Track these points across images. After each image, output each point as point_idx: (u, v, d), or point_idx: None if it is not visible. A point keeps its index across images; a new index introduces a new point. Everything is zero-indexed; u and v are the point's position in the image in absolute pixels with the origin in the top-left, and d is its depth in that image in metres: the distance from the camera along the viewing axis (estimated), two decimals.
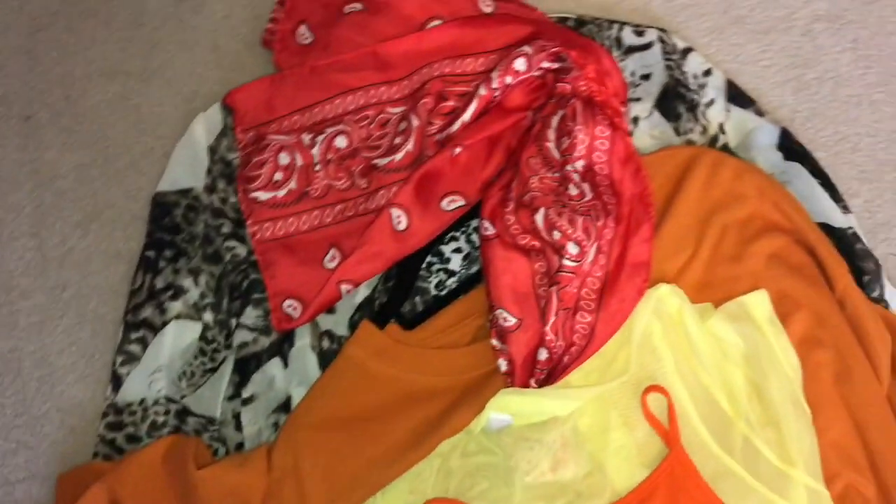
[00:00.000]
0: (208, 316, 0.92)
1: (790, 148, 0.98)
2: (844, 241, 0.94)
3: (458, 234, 0.95)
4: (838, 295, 0.91)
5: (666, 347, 0.88)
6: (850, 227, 0.94)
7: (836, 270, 0.91)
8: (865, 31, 1.05)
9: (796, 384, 0.87)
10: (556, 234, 0.85)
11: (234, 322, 0.92)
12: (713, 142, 0.99)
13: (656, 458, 0.85)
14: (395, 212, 0.90)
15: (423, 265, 0.94)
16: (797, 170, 0.96)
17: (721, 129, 1.00)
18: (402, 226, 0.90)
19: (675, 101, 0.99)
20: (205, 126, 0.98)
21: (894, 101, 1.03)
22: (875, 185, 1.01)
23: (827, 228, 0.95)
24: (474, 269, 0.94)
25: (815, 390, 0.87)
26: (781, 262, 0.92)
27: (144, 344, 0.90)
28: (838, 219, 0.95)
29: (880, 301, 0.93)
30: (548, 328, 0.84)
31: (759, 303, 0.90)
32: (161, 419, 0.88)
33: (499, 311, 0.86)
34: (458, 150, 0.90)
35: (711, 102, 1.00)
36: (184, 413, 0.89)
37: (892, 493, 0.84)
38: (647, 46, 1.01)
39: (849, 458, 0.86)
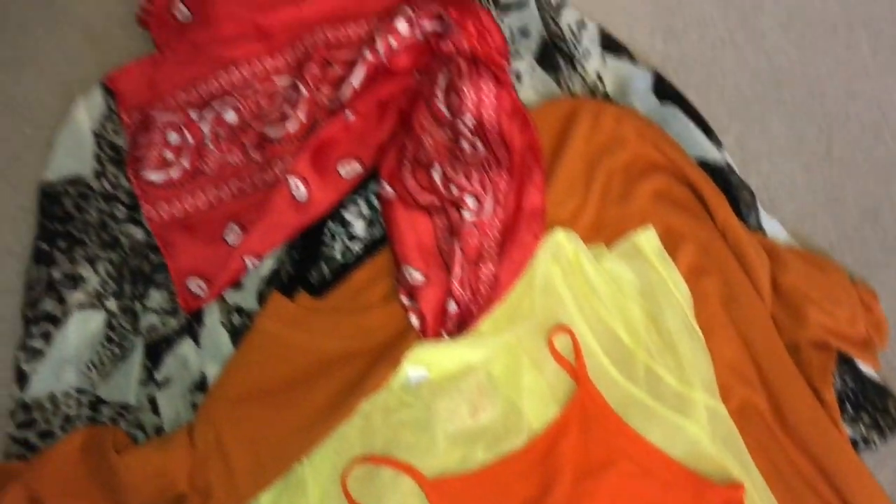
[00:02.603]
0: (112, 303, 0.90)
1: (664, 91, 1.03)
2: (721, 175, 1.00)
3: (358, 198, 0.96)
4: (719, 225, 0.97)
5: (566, 289, 0.92)
6: (725, 161, 1.00)
7: (716, 202, 0.97)
8: None
9: (688, 311, 0.93)
10: (454, 189, 0.88)
11: (139, 307, 0.90)
12: (593, 91, 1.04)
13: (567, 394, 0.89)
14: (293, 181, 0.90)
15: (327, 232, 0.94)
16: (672, 111, 1.02)
17: (599, 78, 1.04)
18: (302, 194, 0.90)
19: (553, 54, 1.02)
20: (86, 110, 0.95)
21: (754, 41, 1.10)
22: (743, 121, 1.07)
23: (704, 164, 1.01)
24: (377, 232, 0.95)
25: (705, 315, 0.93)
26: (665, 199, 0.98)
27: (48, 337, 0.87)
28: (713, 154, 1.00)
29: (757, 228, 1.00)
30: (454, 281, 0.86)
31: (648, 239, 0.95)
32: (74, 411, 0.86)
33: (406, 269, 0.88)
34: (350, 115, 0.91)
35: (588, 53, 1.04)
36: (97, 403, 0.87)
37: (781, 401, 0.91)
38: (523, 4, 1.04)
39: (741, 375, 0.92)
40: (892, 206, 1.05)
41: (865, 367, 0.97)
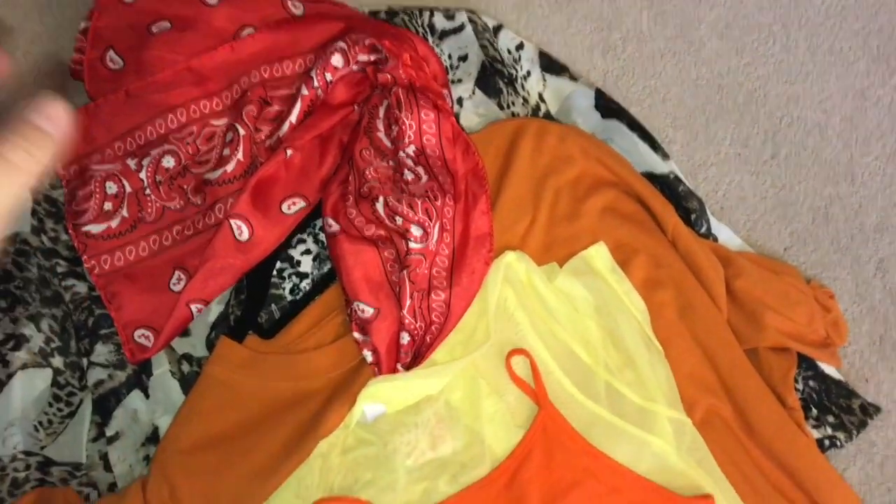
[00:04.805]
0: (57, 360, 0.88)
1: (606, 106, 1.03)
2: (668, 186, 1.00)
3: (305, 235, 0.95)
4: (670, 236, 0.97)
5: (521, 311, 0.91)
6: (672, 172, 1.00)
7: (665, 213, 0.97)
8: None
9: (645, 325, 0.92)
10: (399, 220, 0.87)
11: (85, 362, 0.88)
12: (535, 111, 1.03)
13: (529, 417, 0.88)
14: (235, 223, 0.88)
15: (275, 272, 0.93)
16: (616, 126, 1.02)
17: (541, 98, 1.04)
18: (245, 236, 0.89)
19: (493, 77, 1.02)
20: None
21: (693, 50, 1.10)
22: (688, 130, 1.07)
23: (651, 176, 1.01)
24: (326, 268, 0.94)
25: (662, 327, 0.93)
26: (614, 214, 0.97)
27: None
28: (660, 166, 1.01)
29: (708, 235, 1.00)
30: (405, 312, 0.85)
31: (599, 255, 0.95)
32: (22, 475, 0.83)
33: (356, 304, 0.87)
34: (289, 152, 0.90)
35: (528, 74, 1.04)
36: (46, 464, 0.84)
37: (745, 408, 0.90)
38: (459, 29, 1.04)
39: (704, 385, 0.91)
40: (843, 205, 1.05)
41: (828, 368, 0.96)
